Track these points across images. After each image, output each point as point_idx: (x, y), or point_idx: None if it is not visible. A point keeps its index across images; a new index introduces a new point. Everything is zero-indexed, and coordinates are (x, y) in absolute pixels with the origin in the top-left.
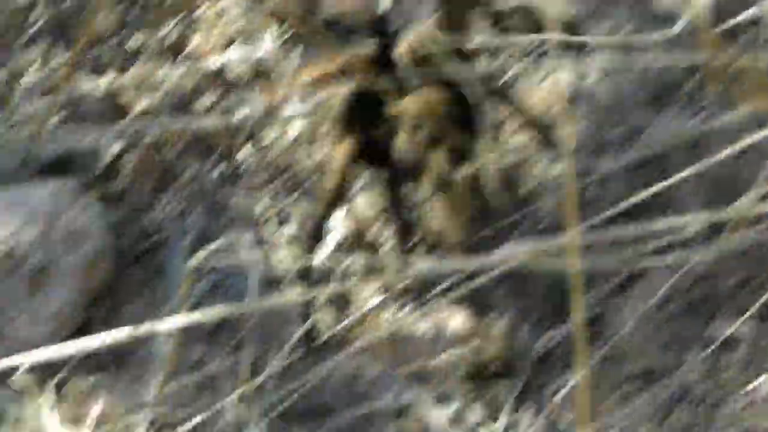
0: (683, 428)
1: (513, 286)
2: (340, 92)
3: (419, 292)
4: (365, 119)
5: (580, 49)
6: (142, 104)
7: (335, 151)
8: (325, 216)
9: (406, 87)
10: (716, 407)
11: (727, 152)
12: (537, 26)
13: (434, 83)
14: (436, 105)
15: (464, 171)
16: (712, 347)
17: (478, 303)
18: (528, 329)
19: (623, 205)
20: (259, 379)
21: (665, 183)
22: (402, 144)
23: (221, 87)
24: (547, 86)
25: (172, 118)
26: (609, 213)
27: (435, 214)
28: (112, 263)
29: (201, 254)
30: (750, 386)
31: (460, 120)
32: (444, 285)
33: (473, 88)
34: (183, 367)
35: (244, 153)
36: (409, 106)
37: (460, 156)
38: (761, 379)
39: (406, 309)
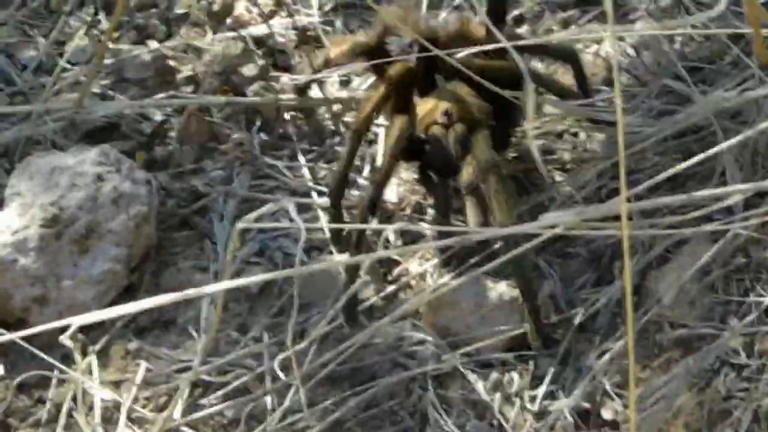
0: (724, 396)
1: (555, 254)
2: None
3: (462, 260)
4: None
5: (624, 18)
6: (188, 70)
7: (388, 132)
8: (378, 192)
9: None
10: (757, 375)
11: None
12: None
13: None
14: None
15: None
16: (753, 316)
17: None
18: (569, 297)
19: (665, 175)
20: (302, 344)
21: (708, 153)
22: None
23: (266, 54)
24: (590, 56)
25: (217, 85)
26: (652, 182)
27: (470, 214)
28: (156, 227)
29: (247, 218)
30: None
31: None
32: (487, 252)
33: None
34: (227, 331)
35: (289, 119)
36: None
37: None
38: None
39: (449, 276)
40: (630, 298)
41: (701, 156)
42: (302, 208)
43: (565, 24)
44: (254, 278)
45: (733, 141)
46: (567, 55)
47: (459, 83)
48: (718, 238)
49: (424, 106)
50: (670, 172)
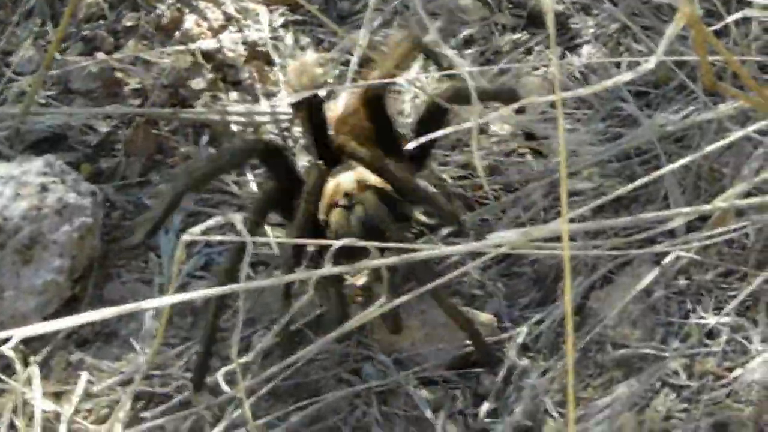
0: (663, 417)
1: (500, 273)
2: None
3: (407, 277)
4: None
5: (571, 41)
6: (135, 82)
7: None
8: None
9: None
10: (696, 396)
11: (712, 147)
12: (527, 20)
13: None
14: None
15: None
16: (693, 338)
17: (465, 290)
18: (513, 316)
19: (610, 196)
20: (247, 358)
21: (651, 176)
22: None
23: (215, 69)
24: (537, 80)
25: (165, 98)
26: (597, 203)
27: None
28: (101, 239)
29: (192, 231)
30: (730, 376)
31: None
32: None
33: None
34: (170, 344)
35: (237, 134)
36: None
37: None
38: (740, 369)
39: (396, 293)
40: (570, 317)
41: (645, 179)
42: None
43: (514, 45)
44: (199, 293)
45: (677, 165)
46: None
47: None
48: (660, 260)
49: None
50: (615, 194)
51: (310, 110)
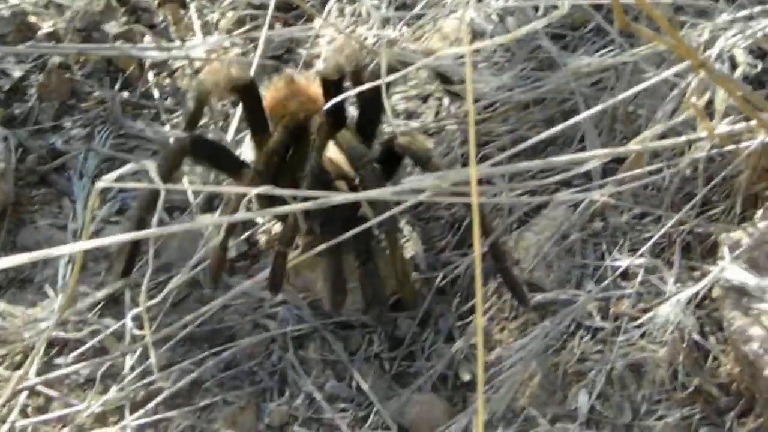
0: (578, 358)
1: (417, 218)
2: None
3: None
4: None
5: None
6: (48, 26)
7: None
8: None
9: None
10: (611, 338)
11: (628, 92)
12: None
13: None
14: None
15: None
16: (608, 280)
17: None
18: (430, 260)
19: (527, 141)
20: (162, 303)
21: (568, 123)
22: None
23: (129, 12)
24: (452, 23)
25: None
26: (516, 149)
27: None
28: (14, 184)
29: (107, 178)
30: (644, 317)
31: None
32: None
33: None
34: (85, 290)
35: (151, 79)
36: None
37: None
38: (655, 311)
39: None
40: (480, 261)
41: (563, 125)
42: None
43: None
44: (113, 238)
45: (594, 108)
46: None
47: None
48: (577, 203)
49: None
50: (533, 138)
51: (246, 93)
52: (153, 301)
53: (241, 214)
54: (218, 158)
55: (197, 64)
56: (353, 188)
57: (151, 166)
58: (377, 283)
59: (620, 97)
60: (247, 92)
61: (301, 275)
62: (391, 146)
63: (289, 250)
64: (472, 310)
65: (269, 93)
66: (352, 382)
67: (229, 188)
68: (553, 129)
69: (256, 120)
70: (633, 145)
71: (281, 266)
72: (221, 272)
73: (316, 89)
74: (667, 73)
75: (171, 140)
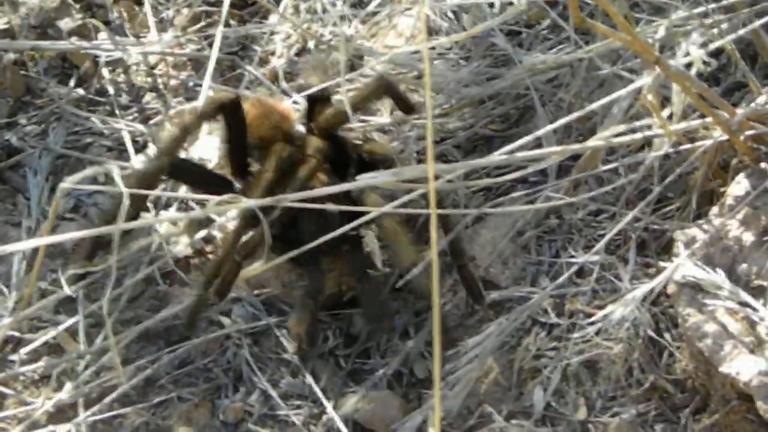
0: (534, 355)
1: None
2: None
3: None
4: None
5: None
6: (3, 23)
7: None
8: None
9: None
10: (566, 334)
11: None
12: None
13: None
14: None
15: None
16: (563, 277)
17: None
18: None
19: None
20: (117, 300)
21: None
22: None
23: (84, 9)
24: (407, 20)
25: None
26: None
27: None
28: None
29: (70, 179)
30: (600, 314)
31: None
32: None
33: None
34: (40, 287)
35: (106, 75)
36: None
37: None
38: (610, 307)
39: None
40: (436, 257)
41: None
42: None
43: None
44: (71, 235)
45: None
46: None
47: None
48: (532, 200)
49: None
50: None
51: (229, 112)
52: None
53: (198, 212)
54: (200, 179)
55: (152, 60)
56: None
57: (115, 169)
58: (380, 296)
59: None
60: (233, 110)
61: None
62: (360, 153)
63: (245, 262)
64: (427, 307)
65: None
66: (306, 379)
67: (188, 195)
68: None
69: (238, 137)
70: (591, 143)
71: (233, 276)
72: (198, 317)
73: (284, 106)
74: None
75: (144, 161)
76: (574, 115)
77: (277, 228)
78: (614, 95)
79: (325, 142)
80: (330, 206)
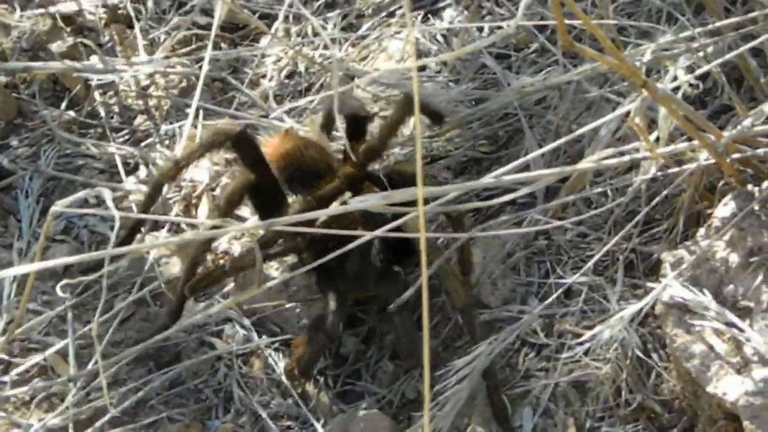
0: (523, 375)
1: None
2: None
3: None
4: None
5: (433, 6)
6: None
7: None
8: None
9: None
10: (555, 354)
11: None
12: None
13: None
14: None
15: None
16: (552, 297)
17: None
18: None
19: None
20: (109, 321)
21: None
22: None
23: (75, 32)
24: (397, 44)
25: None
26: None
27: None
28: None
29: (62, 203)
30: (588, 334)
31: None
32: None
33: None
34: (32, 308)
35: (98, 98)
36: None
37: None
38: (598, 328)
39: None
40: (426, 278)
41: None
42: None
43: (377, 9)
44: (63, 260)
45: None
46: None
47: None
48: (521, 222)
49: None
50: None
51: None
52: (102, 318)
53: (187, 234)
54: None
55: (143, 83)
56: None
57: (107, 193)
58: (414, 332)
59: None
60: (245, 142)
61: (248, 292)
62: (390, 173)
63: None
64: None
65: (273, 146)
66: (296, 399)
67: (173, 218)
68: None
69: (255, 167)
70: (580, 165)
71: (212, 280)
72: (181, 310)
73: (317, 138)
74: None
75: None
76: (562, 140)
77: (311, 257)
78: (601, 120)
79: (357, 170)
80: (313, 230)
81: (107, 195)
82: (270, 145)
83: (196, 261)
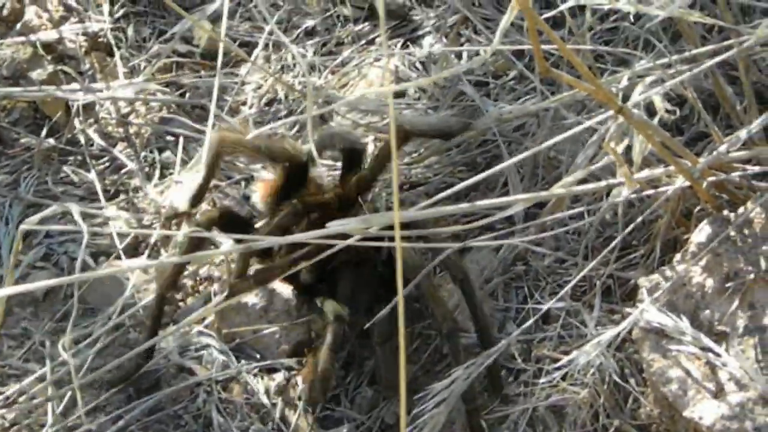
0: (501, 400)
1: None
2: None
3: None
4: None
5: (412, 34)
6: None
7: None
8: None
9: None
10: (533, 380)
11: (551, 140)
12: (369, 12)
13: None
14: None
15: None
16: (530, 322)
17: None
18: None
19: (452, 187)
20: (88, 348)
21: (493, 170)
22: None
23: (56, 60)
24: (377, 71)
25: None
26: (442, 195)
27: None
28: None
29: (30, 220)
30: (566, 359)
31: None
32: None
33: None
34: (10, 335)
35: (78, 125)
36: None
37: None
38: (576, 353)
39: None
40: (402, 303)
41: (486, 173)
42: (90, 214)
43: (356, 36)
44: (38, 284)
45: (517, 155)
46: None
47: None
48: (499, 246)
49: None
50: (457, 183)
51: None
52: (80, 345)
53: (167, 258)
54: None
55: (123, 110)
56: None
57: (75, 208)
58: (395, 364)
59: (543, 145)
60: (229, 218)
61: (227, 319)
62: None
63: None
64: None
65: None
66: (276, 425)
67: (151, 231)
68: (479, 176)
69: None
70: (556, 190)
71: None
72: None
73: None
74: (590, 122)
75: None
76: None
77: (308, 279)
78: (566, 134)
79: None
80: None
81: (75, 210)
82: (264, 185)
83: (172, 283)
